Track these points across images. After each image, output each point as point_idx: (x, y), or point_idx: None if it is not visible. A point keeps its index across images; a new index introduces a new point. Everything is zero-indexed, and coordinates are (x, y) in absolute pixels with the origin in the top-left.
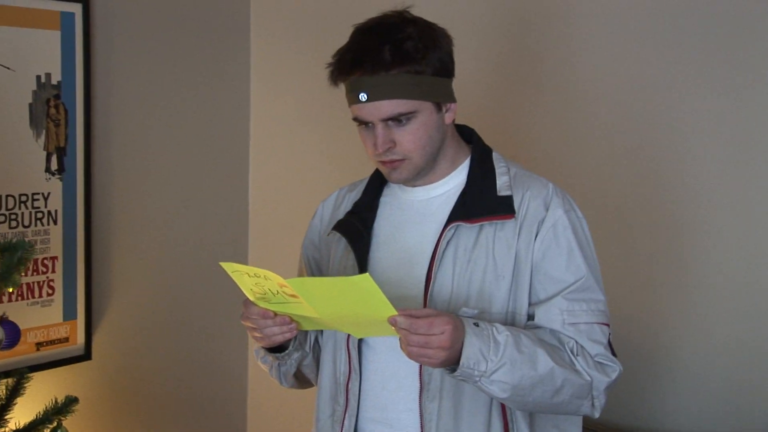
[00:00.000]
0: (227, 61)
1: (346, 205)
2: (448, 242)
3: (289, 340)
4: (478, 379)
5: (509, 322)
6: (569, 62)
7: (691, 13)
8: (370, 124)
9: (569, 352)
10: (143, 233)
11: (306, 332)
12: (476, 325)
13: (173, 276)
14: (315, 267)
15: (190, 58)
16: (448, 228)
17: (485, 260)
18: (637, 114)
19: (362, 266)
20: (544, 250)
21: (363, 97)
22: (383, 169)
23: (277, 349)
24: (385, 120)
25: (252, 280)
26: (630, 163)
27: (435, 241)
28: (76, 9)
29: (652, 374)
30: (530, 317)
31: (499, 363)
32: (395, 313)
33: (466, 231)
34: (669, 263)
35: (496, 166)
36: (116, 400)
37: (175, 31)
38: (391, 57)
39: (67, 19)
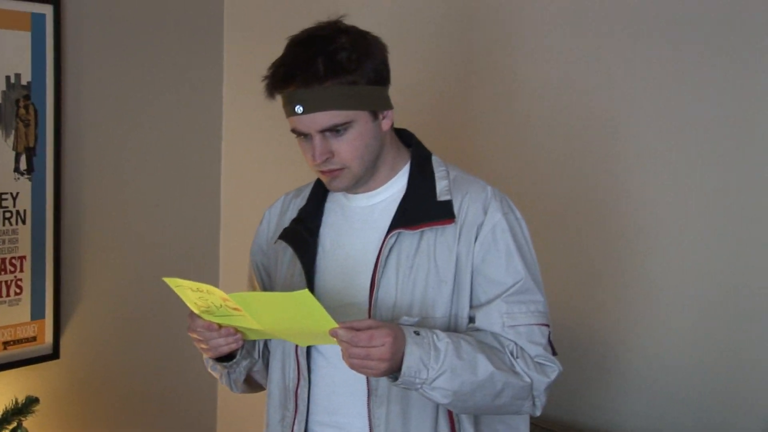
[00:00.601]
0: (200, 63)
1: (292, 212)
2: (390, 249)
3: (236, 349)
4: (419, 386)
5: (452, 325)
6: (513, 64)
7: (638, 12)
8: (308, 135)
9: (509, 355)
10: (113, 233)
11: (253, 340)
12: (417, 333)
13: (143, 276)
14: (264, 273)
15: (162, 60)
16: (390, 235)
17: (427, 265)
18: (580, 114)
19: (309, 275)
20: (483, 253)
21: (299, 109)
22: (323, 179)
23: (226, 358)
24: (322, 131)
25: (195, 294)
26: (575, 163)
27: (378, 249)
28: (47, 10)
29: (603, 372)
30: (471, 320)
31: (439, 371)
32: (336, 325)
33: (408, 237)
34: (614, 262)
35: (435, 171)
36: (85, 399)
37: (147, 32)
38: (324, 69)
39: (37, 20)
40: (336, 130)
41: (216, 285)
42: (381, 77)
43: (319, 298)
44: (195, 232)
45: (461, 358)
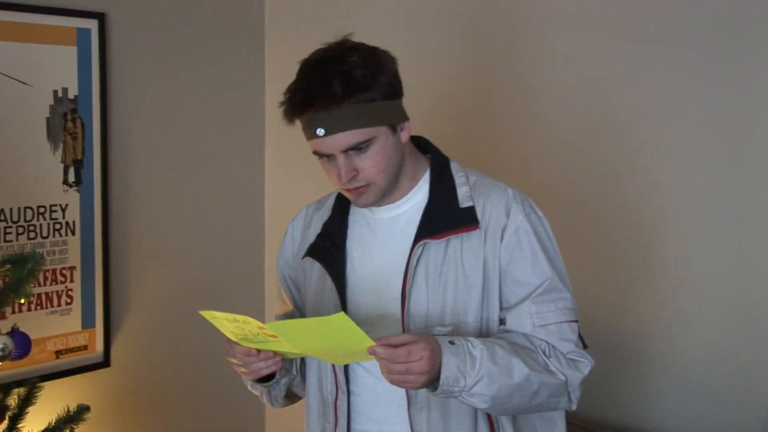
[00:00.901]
0: (242, 70)
1: (316, 226)
2: (418, 260)
3: (276, 370)
4: (458, 394)
5: (484, 329)
6: (535, 64)
7: (656, 11)
8: (331, 156)
9: (542, 354)
10: (160, 241)
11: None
12: (452, 343)
13: (191, 283)
14: (293, 286)
15: (204, 69)
16: (417, 246)
17: (455, 272)
18: (601, 113)
19: (341, 290)
20: (509, 256)
21: (320, 132)
22: (349, 196)
23: (266, 378)
24: (345, 151)
25: (231, 324)
26: (599, 159)
27: (406, 260)
28: (92, 25)
29: (634, 371)
30: (502, 321)
31: (476, 377)
32: (373, 344)
33: (434, 246)
34: (644, 262)
35: (455, 177)
36: (134, 406)
37: (189, 42)
38: (342, 90)
39: (83, 35)
40: (359, 148)
41: (262, 290)
42: (395, 90)
43: (351, 312)
44: (240, 238)
45: (497, 363)
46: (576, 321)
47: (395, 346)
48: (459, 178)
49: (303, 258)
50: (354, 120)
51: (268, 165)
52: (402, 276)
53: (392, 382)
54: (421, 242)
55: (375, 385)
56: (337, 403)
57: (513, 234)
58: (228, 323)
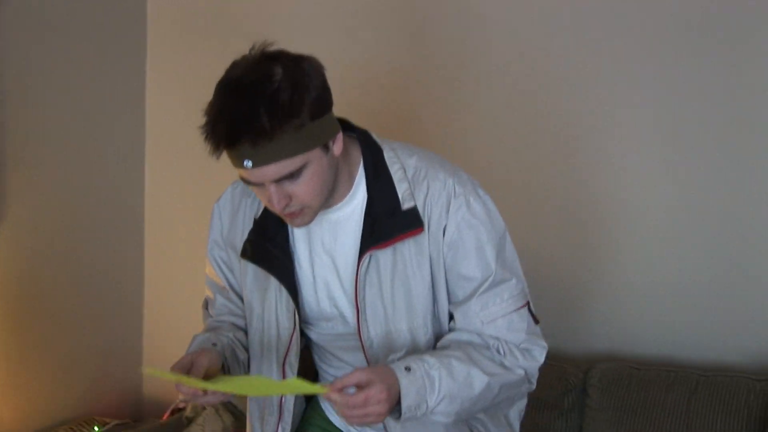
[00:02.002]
0: (122, 61)
1: (246, 215)
2: (367, 268)
3: None
4: (421, 415)
5: (435, 327)
6: (487, 54)
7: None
8: (261, 184)
9: (497, 353)
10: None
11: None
12: (408, 369)
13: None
14: (225, 268)
15: (85, 60)
16: (364, 257)
17: (405, 275)
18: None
19: (293, 294)
20: (452, 252)
21: (247, 164)
22: (284, 218)
23: None
24: (276, 180)
25: (176, 377)
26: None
27: (354, 267)
28: None
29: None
30: (451, 316)
31: (438, 399)
32: (325, 391)
33: (382, 254)
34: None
35: (391, 171)
36: (7, 309)
37: (71, 29)
38: (270, 121)
39: None
40: (290, 176)
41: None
42: (324, 105)
43: (307, 317)
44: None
45: (455, 379)
46: (524, 305)
47: (349, 385)
48: (396, 172)
49: (241, 258)
50: (283, 151)
51: (148, 153)
52: (352, 283)
53: (351, 424)
54: (368, 253)
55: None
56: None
57: (455, 231)
58: (171, 376)
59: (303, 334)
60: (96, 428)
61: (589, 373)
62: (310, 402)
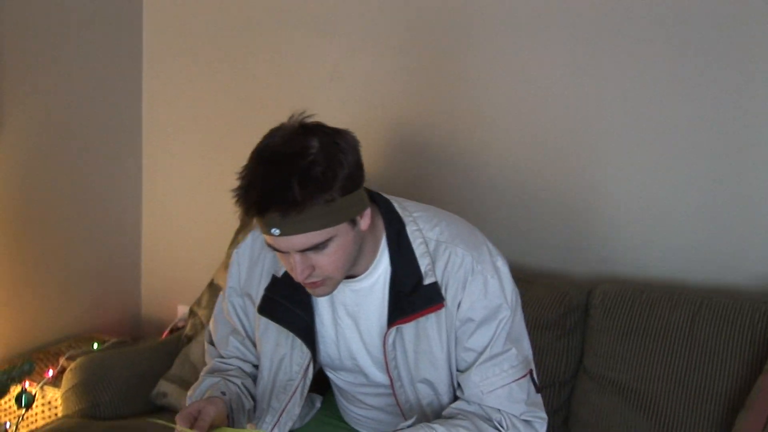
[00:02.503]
0: (119, 54)
1: (265, 266)
2: (394, 341)
3: None
4: None
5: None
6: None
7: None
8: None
9: (498, 425)
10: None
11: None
12: None
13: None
14: (242, 313)
15: (81, 53)
16: (390, 330)
17: (429, 345)
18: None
19: (313, 350)
20: (464, 326)
21: (275, 232)
22: (305, 286)
23: None
24: (302, 250)
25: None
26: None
27: (380, 340)
28: None
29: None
30: (458, 385)
31: None
32: None
33: (406, 327)
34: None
35: (413, 245)
36: (6, 227)
37: (68, 24)
38: (301, 194)
39: None
40: (316, 247)
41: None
42: (356, 182)
43: (327, 366)
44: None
45: None
46: (525, 375)
47: None
48: (418, 246)
49: (260, 313)
50: (311, 223)
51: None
52: (380, 350)
53: None
54: (394, 327)
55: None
56: None
57: (468, 307)
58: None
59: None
60: (95, 345)
61: (591, 294)
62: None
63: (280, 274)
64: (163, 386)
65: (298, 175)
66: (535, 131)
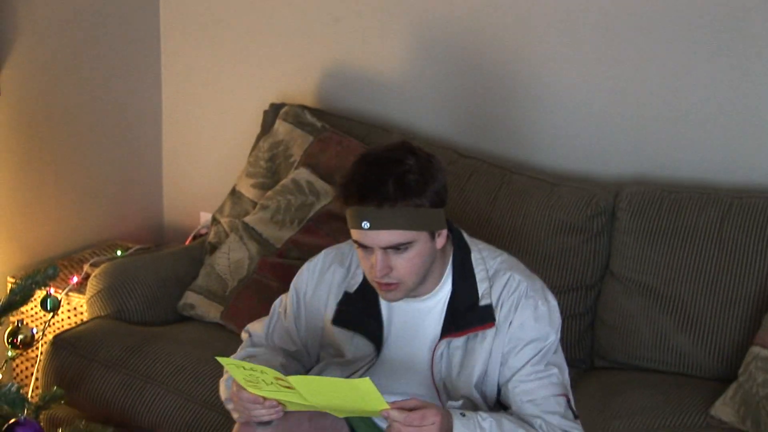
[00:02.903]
0: None
1: (334, 279)
2: (442, 354)
3: None
4: None
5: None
6: None
7: None
8: (369, 249)
9: (539, 429)
10: None
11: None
12: (463, 415)
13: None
14: (296, 311)
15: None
16: (440, 343)
17: (472, 359)
18: None
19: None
20: (511, 344)
21: (366, 225)
22: (378, 289)
23: None
24: (385, 248)
25: (246, 372)
26: None
27: (430, 354)
28: None
29: None
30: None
31: None
32: (388, 407)
33: (455, 341)
34: None
35: (475, 271)
36: (28, 136)
37: None
38: (394, 191)
39: None
40: (398, 248)
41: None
42: (441, 200)
43: (383, 384)
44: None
45: None
46: (564, 395)
47: (408, 410)
48: (479, 273)
49: (333, 325)
50: (400, 221)
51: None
52: (428, 369)
53: None
54: (445, 340)
55: None
56: None
57: (518, 327)
58: (242, 370)
59: None
60: (119, 252)
61: (618, 197)
62: None
63: (352, 290)
64: (190, 298)
65: (395, 176)
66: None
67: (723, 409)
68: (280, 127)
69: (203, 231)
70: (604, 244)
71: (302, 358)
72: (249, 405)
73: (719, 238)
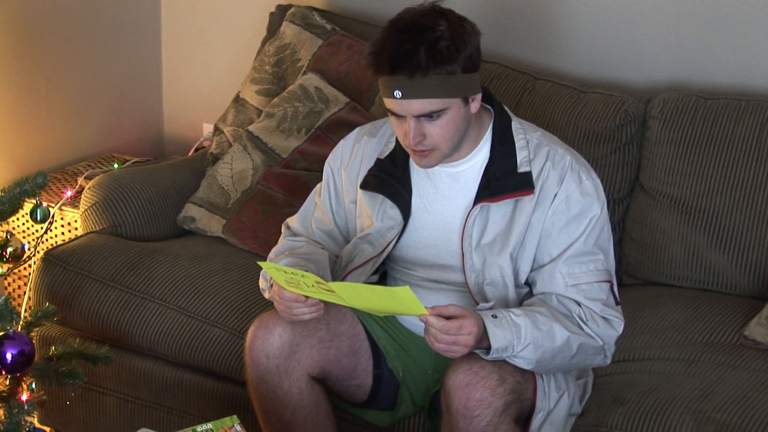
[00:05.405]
0: None
1: (366, 150)
2: (475, 220)
3: None
4: (506, 357)
5: (511, 284)
6: None
7: None
8: (402, 117)
9: (578, 319)
10: None
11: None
12: (494, 316)
13: None
14: (333, 192)
15: None
16: (474, 208)
17: (508, 231)
18: None
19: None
20: (553, 219)
21: (398, 94)
22: (412, 155)
23: None
24: (417, 116)
25: (287, 275)
26: None
27: (464, 217)
28: None
29: None
30: (528, 284)
31: (523, 345)
32: (426, 312)
33: (491, 207)
34: None
35: (516, 139)
36: (17, 40)
37: None
38: (426, 60)
39: None
40: (431, 115)
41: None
42: (474, 64)
43: (412, 257)
44: None
45: (539, 329)
46: (608, 281)
47: (446, 317)
48: (519, 141)
49: (361, 189)
50: (432, 89)
51: None
52: (459, 233)
53: (437, 350)
54: (480, 204)
55: None
56: None
57: (563, 200)
58: (283, 273)
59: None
60: (115, 165)
61: (650, 104)
62: None
63: (384, 156)
64: (191, 210)
65: (426, 45)
66: None
67: (758, 329)
68: (287, 29)
69: (206, 143)
70: (633, 155)
71: (337, 237)
72: (291, 304)
73: (758, 149)
